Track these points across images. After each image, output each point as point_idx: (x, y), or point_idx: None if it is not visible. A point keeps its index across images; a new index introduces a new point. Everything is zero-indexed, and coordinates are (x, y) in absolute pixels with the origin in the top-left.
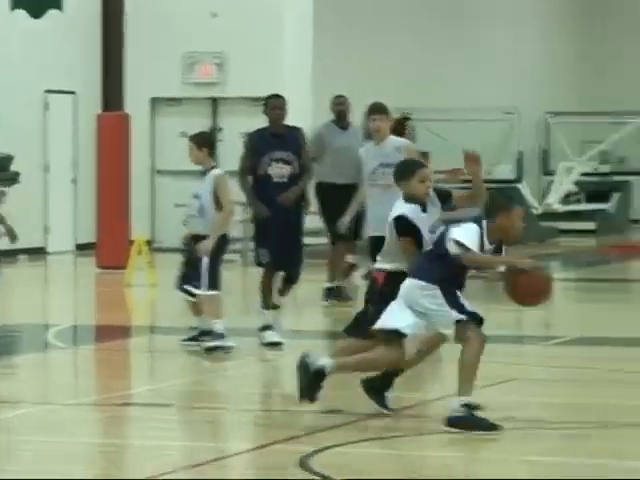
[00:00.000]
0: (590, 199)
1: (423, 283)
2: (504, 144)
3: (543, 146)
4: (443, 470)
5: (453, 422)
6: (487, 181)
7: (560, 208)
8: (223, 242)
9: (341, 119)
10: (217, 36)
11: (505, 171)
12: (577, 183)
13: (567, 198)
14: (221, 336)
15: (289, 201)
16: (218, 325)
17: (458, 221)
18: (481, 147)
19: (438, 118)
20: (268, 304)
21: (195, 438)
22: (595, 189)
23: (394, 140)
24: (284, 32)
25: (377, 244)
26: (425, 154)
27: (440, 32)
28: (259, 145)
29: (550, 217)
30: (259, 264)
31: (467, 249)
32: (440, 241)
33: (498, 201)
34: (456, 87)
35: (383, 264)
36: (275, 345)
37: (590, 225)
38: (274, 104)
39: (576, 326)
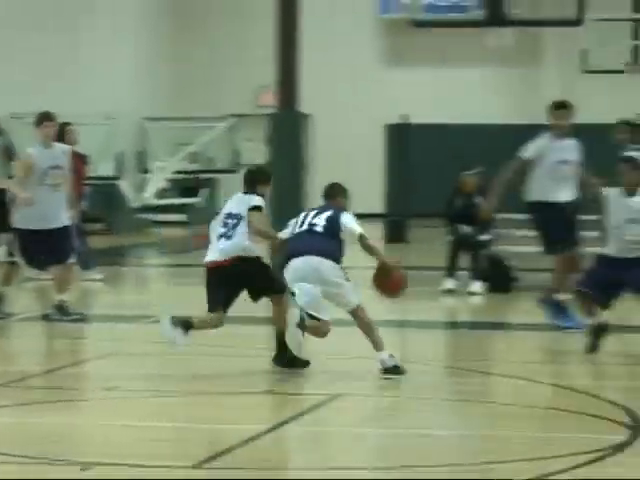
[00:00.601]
0: (182, 194)
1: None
2: (107, 145)
3: (140, 147)
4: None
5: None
6: (90, 178)
7: (155, 202)
8: None
9: None
10: None
11: (107, 169)
12: (170, 180)
13: (162, 193)
14: None
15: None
16: None
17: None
18: (88, 148)
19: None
20: None
21: None
22: (186, 185)
23: (60, 146)
24: None
25: (27, 238)
26: (85, 156)
27: (57, 40)
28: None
29: (146, 210)
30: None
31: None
32: (332, 224)
33: (336, 186)
34: (67, 93)
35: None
36: None
37: (182, 217)
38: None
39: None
